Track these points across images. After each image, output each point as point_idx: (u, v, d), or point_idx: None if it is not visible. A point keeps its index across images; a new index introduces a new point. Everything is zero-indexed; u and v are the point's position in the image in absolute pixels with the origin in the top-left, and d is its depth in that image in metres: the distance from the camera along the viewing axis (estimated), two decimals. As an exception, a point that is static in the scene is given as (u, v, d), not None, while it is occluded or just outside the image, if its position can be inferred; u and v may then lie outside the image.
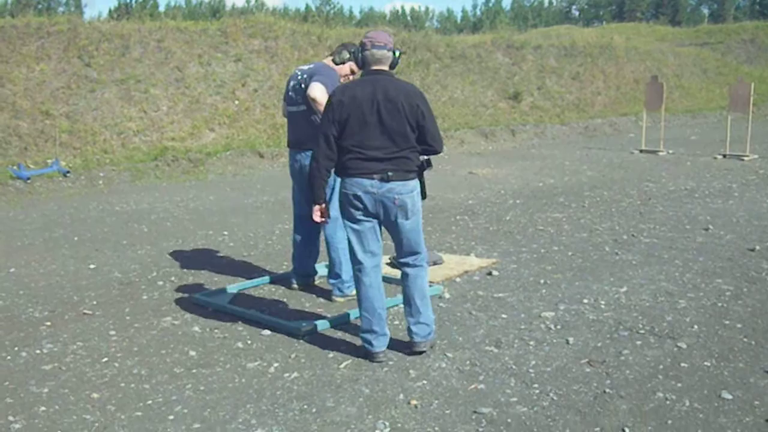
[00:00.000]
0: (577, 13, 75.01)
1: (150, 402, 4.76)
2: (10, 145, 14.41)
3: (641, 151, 18.19)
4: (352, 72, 6.64)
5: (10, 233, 9.95)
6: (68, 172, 13.75)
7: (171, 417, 4.53)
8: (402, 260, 5.38)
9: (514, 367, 5.14)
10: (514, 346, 5.51)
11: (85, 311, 6.61)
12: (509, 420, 4.37)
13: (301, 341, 5.70)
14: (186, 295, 6.98)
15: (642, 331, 5.79)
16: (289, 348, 5.54)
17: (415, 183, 5.18)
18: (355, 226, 5.24)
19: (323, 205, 5.35)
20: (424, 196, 5.34)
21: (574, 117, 24.46)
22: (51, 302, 6.90)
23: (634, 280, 7.12)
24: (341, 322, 6.02)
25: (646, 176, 14.16)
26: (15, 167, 13.55)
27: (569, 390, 4.77)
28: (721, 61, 36.60)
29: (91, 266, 8.14)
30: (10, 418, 4.61)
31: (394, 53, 5.22)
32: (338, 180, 5.41)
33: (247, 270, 7.83)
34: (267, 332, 5.91)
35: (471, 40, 26.17)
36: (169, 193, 12.89)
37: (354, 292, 6.00)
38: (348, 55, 6.45)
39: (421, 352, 5.31)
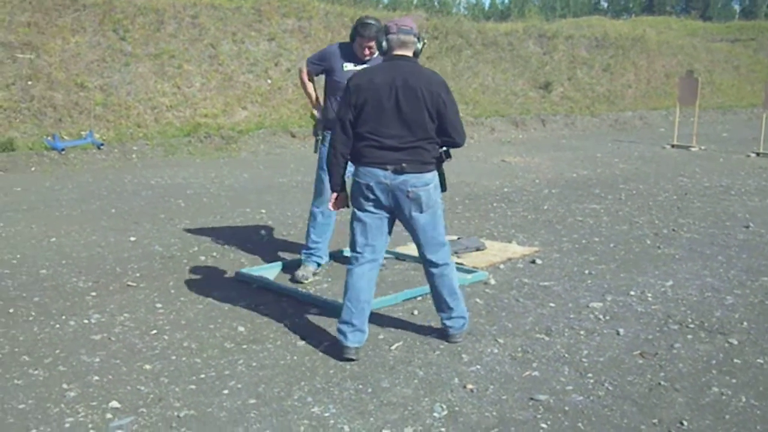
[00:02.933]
0: (605, 4, 74.41)
1: (203, 376, 4.76)
2: (45, 116, 14.43)
3: (673, 146, 18.07)
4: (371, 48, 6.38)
5: (48, 203, 9.98)
6: (102, 144, 13.77)
7: (225, 391, 4.53)
8: (426, 258, 5.16)
9: (566, 355, 5.10)
10: (564, 334, 5.48)
11: (129, 283, 6.62)
12: (566, 408, 4.34)
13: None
14: (229, 270, 6.97)
15: (692, 326, 5.74)
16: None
17: (431, 176, 4.95)
18: (363, 217, 5.01)
19: (340, 193, 5.19)
20: (444, 188, 5.14)
21: (605, 109, 24.33)
22: (94, 273, 6.91)
23: (679, 275, 7.06)
24: (388, 304, 6.00)
25: (679, 171, 14.06)
26: (50, 138, 13.59)
27: (624, 381, 4.73)
28: (754, 57, 36.25)
29: (132, 239, 8.15)
30: (65, 385, 4.62)
31: (418, 40, 5.03)
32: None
33: (288, 248, 7.82)
34: (314, 311, 5.90)
35: (503, 28, 25.99)
36: (203, 169, 12.89)
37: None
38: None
39: (457, 342, 5.24)
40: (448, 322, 5.21)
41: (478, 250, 7.53)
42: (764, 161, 15.84)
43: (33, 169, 12.65)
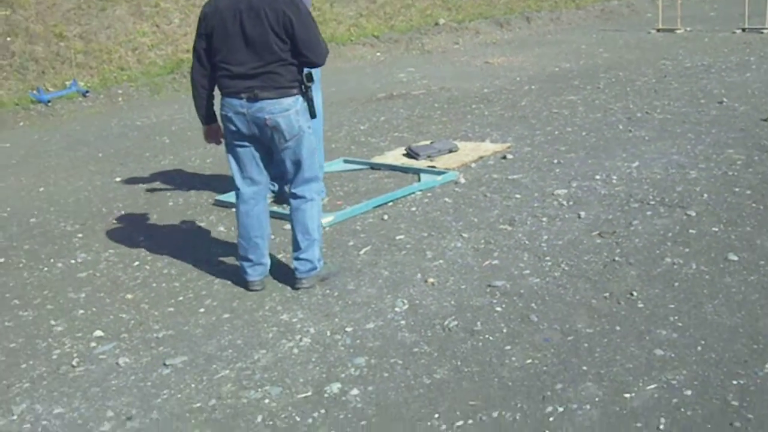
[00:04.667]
0: None
1: (181, 298, 5.02)
2: (27, 70, 14.53)
3: (658, 30, 17.98)
4: None
5: (36, 155, 10.17)
6: (87, 92, 13.89)
7: (201, 310, 4.79)
8: (291, 189, 5.02)
9: (527, 242, 5.33)
10: (527, 223, 5.69)
11: (114, 221, 6.86)
12: (522, 291, 4.58)
13: (323, 232, 5.89)
14: (210, 198, 7.19)
15: (652, 202, 5.94)
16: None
17: (291, 101, 4.69)
18: (232, 149, 4.89)
19: (210, 126, 5.02)
20: (312, 115, 4.88)
21: (590, 0, 24.13)
22: (81, 216, 7.14)
23: (646, 155, 7.23)
24: (359, 212, 6.20)
25: (662, 55, 14.06)
26: (34, 91, 13.70)
27: (580, 261, 4.96)
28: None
29: (117, 179, 8.37)
30: (52, 322, 4.89)
31: None
32: None
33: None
34: (288, 227, 6.09)
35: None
36: (188, 104, 12.93)
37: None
38: None
39: (300, 288, 4.95)
40: (295, 263, 4.98)
41: (450, 152, 7.69)
42: (749, 36, 15.79)
43: (21, 124, 12.80)
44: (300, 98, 4.77)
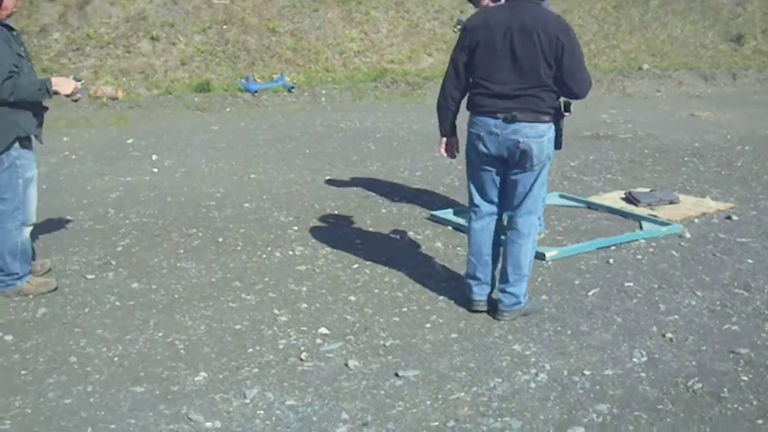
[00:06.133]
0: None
1: (405, 309, 4.97)
2: (238, 59, 15.00)
3: None
4: None
5: (245, 142, 10.45)
6: (293, 87, 14.21)
7: (428, 325, 4.73)
8: (510, 219, 4.82)
9: (767, 312, 5.02)
10: (764, 291, 5.36)
11: (329, 220, 6.91)
12: (768, 363, 4.31)
13: (546, 265, 5.76)
14: (424, 211, 7.16)
15: None
16: (536, 271, 5.54)
17: (545, 127, 4.55)
18: (476, 168, 4.77)
19: (450, 138, 4.98)
20: (558, 146, 4.74)
21: (801, 65, 23.11)
22: (294, 208, 7.24)
23: None
24: (581, 251, 6.03)
25: None
26: (243, 80, 14.13)
27: (830, 341, 4.63)
28: None
29: (326, 177, 8.46)
30: (275, 311, 4.94)
31: None
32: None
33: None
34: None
35: (694, -22, 24.98)
36: (390, 113, 13.11)
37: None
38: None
39: (501, 321, 4.78)
40: (501, 295, 4.82)
41: (671, 203, 7.41)
42: None
43: (228, 110, 13.21)
44: (552, 126, 4.63)
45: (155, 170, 8.89)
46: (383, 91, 14.84)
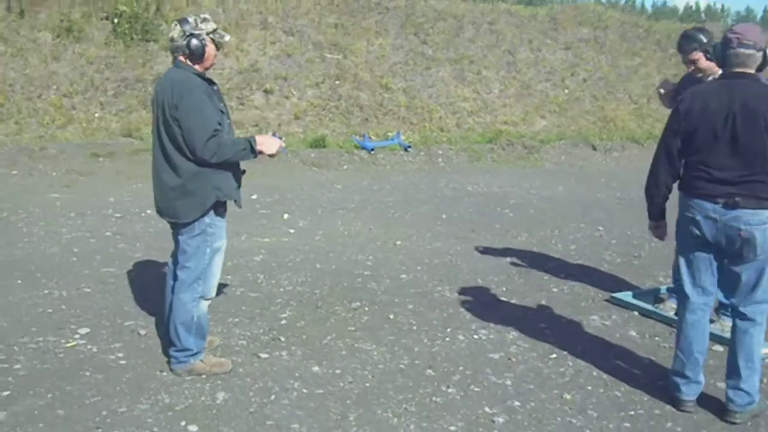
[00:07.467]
0: None
1: (632, 413, 4.42)
2: (352, 115, 14.71)
3: None
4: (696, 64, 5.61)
5: (374, 204, 10.05)
6: (409, 146, 13.83)
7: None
8: (734, 307, 4.42)
9: None
10: None
11: (501, 298, 6.39)
12: None
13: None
14: (600, 292, 6.59)
15: None
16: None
17: None
18: (688, 254, 4.44)
19: (659, 222, 4.65)
20: None
21: None
22: (456, 282, 6.75)
23: None
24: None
25: None
26: (359, 137, 13.79)
27: None
28: None
29: (476, 246, 7.98)
30: (487, 409, 4.40)
31: (765, 53, 4.22)
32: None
33: (647, 272, 7.33)
34: (719, 348, 5.35)
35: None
36: (510, 177, 12.63)
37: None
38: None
39: (733, 423, 4.33)
40: (730, 392, 4.37)
41: None
42: None
43: (345, 167, 12.85)
44: None
45: (291, 231, 8.50)
46: (500, 153, 14.39)
